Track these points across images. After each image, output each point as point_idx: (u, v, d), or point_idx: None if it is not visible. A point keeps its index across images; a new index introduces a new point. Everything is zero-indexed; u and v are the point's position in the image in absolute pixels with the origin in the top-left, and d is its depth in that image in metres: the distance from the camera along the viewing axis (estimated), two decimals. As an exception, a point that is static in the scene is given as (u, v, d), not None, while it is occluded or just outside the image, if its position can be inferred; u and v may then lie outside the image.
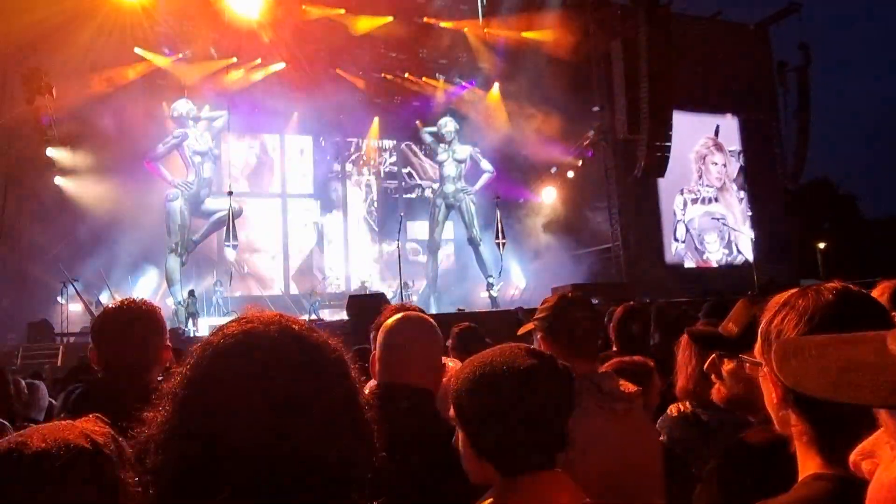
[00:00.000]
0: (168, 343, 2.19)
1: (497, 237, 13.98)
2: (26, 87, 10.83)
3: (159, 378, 2.20)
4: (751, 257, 15.70)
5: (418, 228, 16.38)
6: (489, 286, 14.61)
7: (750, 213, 17.81)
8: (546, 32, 15.48)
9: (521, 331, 1.94)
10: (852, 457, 0.62)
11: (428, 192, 16.66)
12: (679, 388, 2.01)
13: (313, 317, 11.74)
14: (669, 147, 14.32)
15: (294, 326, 0.77)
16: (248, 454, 0.67)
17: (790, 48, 18.37)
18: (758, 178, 18.10)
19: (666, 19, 13.88)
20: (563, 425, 1.14)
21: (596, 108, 15.42)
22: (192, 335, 10.31)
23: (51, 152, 11.66)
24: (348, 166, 16.57)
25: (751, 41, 18.61)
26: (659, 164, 14.35)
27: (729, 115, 18.18)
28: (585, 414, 1.46)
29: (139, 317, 2.09)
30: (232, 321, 0.77)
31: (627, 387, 1.76)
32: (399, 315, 1.65)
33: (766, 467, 1.26)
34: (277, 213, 15.61)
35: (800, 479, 0.88)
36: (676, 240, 16.97)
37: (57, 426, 0.83)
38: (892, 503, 0.53)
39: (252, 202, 14.85)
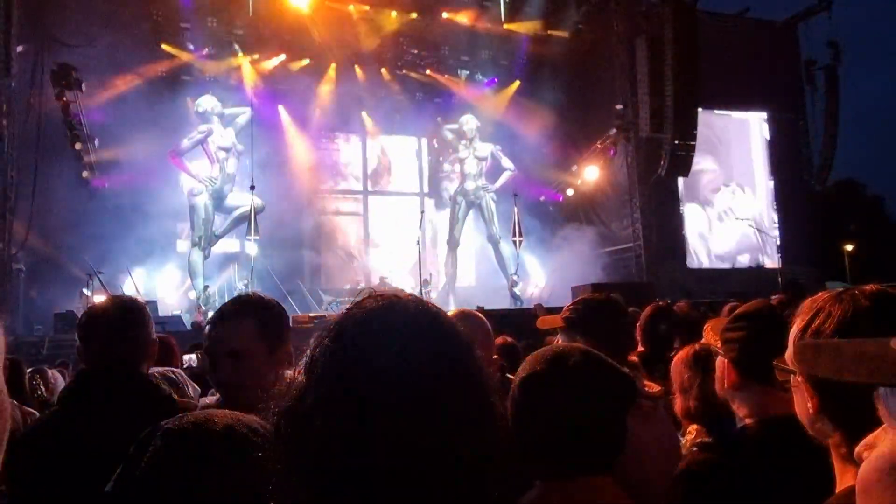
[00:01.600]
0: (155, 337, 2.23)
1: (514, 235, 13.94)
2: (56, 83, 11.04)
3: (151, 371, 2.25)
4: (775, 258, 15.47)
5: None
6: (514, 284, 14.55)
7: (775, 214, 17.54)
8: (569, 30, 15.38)
9: (543, 325, 1.93)
10: (857, 449, 0.68)
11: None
12: (682, 410, 1.95)
13: (321, 313, 11.79)
14: (694, 146, 14.15)
15: (429, 304, 0.80)
16: (390, 426, 0.68)
17: (819, 46, 18.03)
18: (784, 177, 17.80)
19: (692, 17, 13.70)
20: (619, 430, 1.12)
21: (619, 107, 15.27)
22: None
23: (79, 146, 11.86)
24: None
25: (778, 39, 18.28)
26: (683, 163, 14.19)
27: (755, 114, 17.90)
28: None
29: (125, 312, 2.13)
30: (367, 297, 0.79)
31: (651, 387, 1.75)
32: (455, 310, 1.78)
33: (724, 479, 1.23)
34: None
35: (837, 490, 0.87)
36: (698, 239, 16.77)
37: (224, 412, 0.93)
38: (874, 472, 0.62)
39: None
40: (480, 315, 1.75)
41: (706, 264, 16.68)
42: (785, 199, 17.61)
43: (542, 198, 17.02)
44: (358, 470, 0.68)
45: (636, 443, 1.51)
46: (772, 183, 17.83)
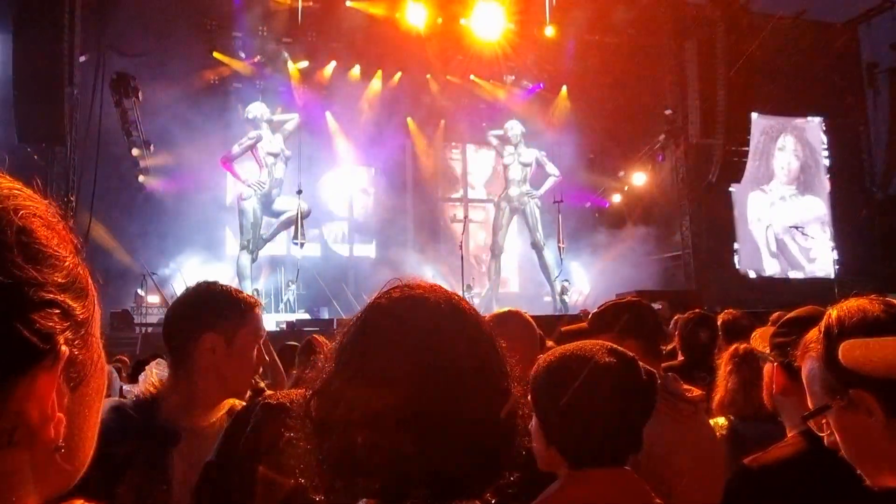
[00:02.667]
0: None
1: (558, 241, 13.79)
2: (115, 91, 11.51)
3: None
4: (831, 269, 14.86)
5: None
6: (564, 290, 14.36)
7: (832, 222, 16.87)
8: (616, 34, 15.17)
9: (567, 328, 1.92)
10: None
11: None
12: (716, 403, 1.98)
13: None
14: (747, 152, 13.76)
15: (453, 294, 0.83)
16: (411, 411, 0.71)
17: (881, 48, 17.27)
18: (843, 184, 17.12)
19: (743, 19, 13.34)
20: (638, 425, 1.12)
21: (668, 111, 14.97)
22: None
23: (135, 152, 12.33)
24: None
25: (838, 41, 17.62)
26: (735, 169, 13.82)
27: (813, 119, 17.28)
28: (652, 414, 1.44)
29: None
30: (395, 286, 0.83)
31: (692, 390, 1.72)
32: (501, 310, 1.86)
33: (781, 488, 1.22)
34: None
35: None
36: (750, 248, 16.26)
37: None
38: None
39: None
40: (526, 315, 1.79)
41: (758, 273, 16.15)
42: (843, 207, 16.92)
43: (588, 204, 16.79)
44: (381, 451, 0.71)
45: (669, 444, 1.48)
46: (829, 190, 17.17)
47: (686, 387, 1.69)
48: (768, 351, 1.45)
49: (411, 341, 0.75)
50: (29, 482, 0.49)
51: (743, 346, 1.93)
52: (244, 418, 1.24)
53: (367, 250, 16.08)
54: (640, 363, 1.16)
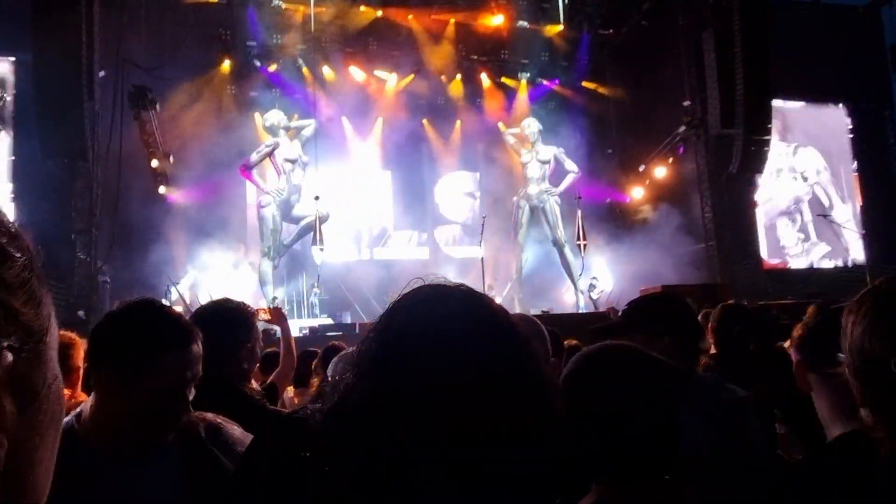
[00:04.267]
0: (250, 343, 2.23)
1: (578, 238, 13.65)
2: (133, 104, 11.67)
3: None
4: (861, 257, 14.51)
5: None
6: (591, 287, 14.22)
7: (860, 209, 16.49)
8: (632, 27, 15.01)
9: (597, 327, 1.86)
10: None
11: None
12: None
13: None
14: (768, 141, 13.50)
15: (479, 293, 0.78)
16: (438, 421, 0.65)
17: (905, 30, 16.88)
18: (869, 170, 16.74)
19: (762, 5, 13.09)
20: (667, 432, 1.05)
21: (686, 103, 14.76)
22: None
23: (155, 164, 12.47)
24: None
25: (860, 25, 17.24)
26: (757, 159, 13.56)
27: (835, 105, 16.93)
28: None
29: (220, 316, 2.14)
30: (417, 287, 0.79)
31: (735, 390, 1.66)
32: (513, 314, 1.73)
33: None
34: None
35: None
36: (775, 238, 15.97)
37: None
38: None
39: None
40: (535, 319, 1.72)
41: (784, 264, 15.85)
42: (871, 194, 16.55)
43: (608, 200, 16.62)
44: (405, 466, 0.65)
45: (705, 444, 1.41)
46: (855, 176, 16.80)
47: (730, 387, 1.62)
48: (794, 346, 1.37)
49: (435, 343, 0.69)
50: None
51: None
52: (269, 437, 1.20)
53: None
54: (663, 359, 1.10)
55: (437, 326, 0.70)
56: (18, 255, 0.45)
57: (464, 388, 0.66)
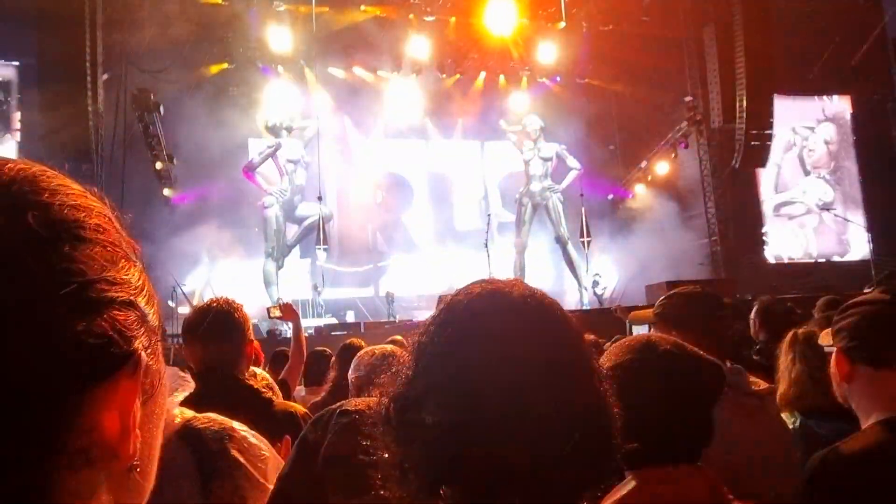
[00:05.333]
0: (251, 338, 2.25)
1: (582, 235, 13.65)
2: (136, 107, 11.71)
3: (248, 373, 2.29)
4: (866, 250, 14.50)
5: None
6: (594, 284, 14.22)
7: (863, 202, 16.47)
8: (632, 23, 14.99)
9: (634, 319, 1.89)
10: None
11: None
12: (780, 395, 1.87)
13: (391, 318, 11.90)
14: (771, 135, 13.49)
15: (536, 290, 0.79)
16: (502, 412, 0.67)
17: (907, 21, 16.82)
18: (872, 163, 16.70)
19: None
20: (702, 415, 1.08)
21: (688, 98, 14.75)
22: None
23: (159, 165, 12.51)
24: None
25: (861, 16, 17.19)
26: (759, 153, 13.57)
27: (837, 97, 16.90)
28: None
29: (223, 314, 2.16)
30: (474, 283, 0.80)
31: (758, 384, 1.67)
32: None
33: (863, 480, 1.17)
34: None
35: None
36: (778, 232, 15.96)
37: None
38: None
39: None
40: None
41: (788, 258, 15.84)
42: (873, 186, 16.52)
43: (611, 196, 16.62)
44: (469, 456, 0.67)
45: (730, 442, 1.43)
46: (857, 169, 16.78)
47: (753, 379, 1.64)
48: (832, 338, 1.38)
49: (497, 338, 0.71)
50: None
51: (802, 330, 1.80)
52: (323, 421, 1.24)
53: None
54: (703, 354, 1.13)
55: (494, 320, 0.72)
56: (135, 259, 0.49)
57: (519, 379, 0.68)
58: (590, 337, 3.51)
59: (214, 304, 2.24)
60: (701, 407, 1.09)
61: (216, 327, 2.09)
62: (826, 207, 15.86)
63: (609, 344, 1.38)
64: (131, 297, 0.45)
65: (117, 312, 0.43)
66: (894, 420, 1.27)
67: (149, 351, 0.47)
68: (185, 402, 1.94)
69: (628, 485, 1.06)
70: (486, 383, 0.67)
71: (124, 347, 0.43)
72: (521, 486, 0.66)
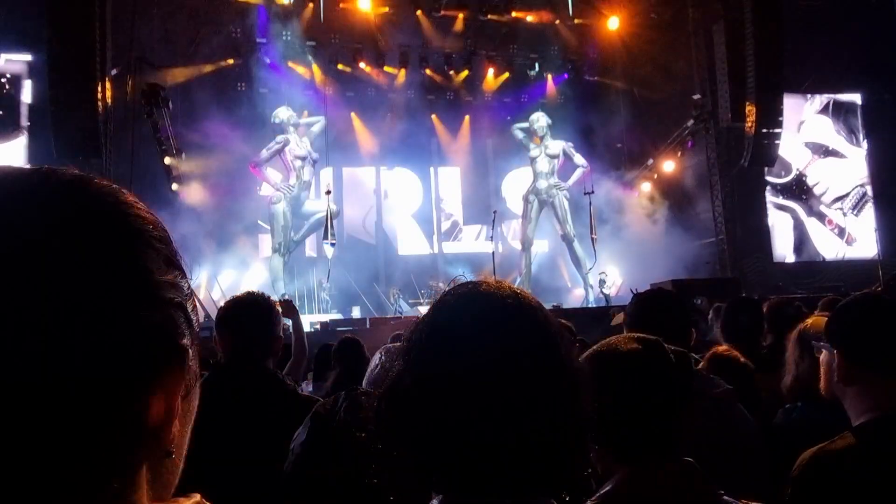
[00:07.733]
0: (281, 335, 2.29)
1: (592, 232, 13.63)
2: (146, 102, 11.76)
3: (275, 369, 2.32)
4: (874, 249, 14.42)
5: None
6: (601, 283, 14.22)
7: (873, 200, 16.37)
8: (641, 20, 14.94)
9: (615, 322, 1.93)
10: None
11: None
12: (787, 388, 1.92)
13: (397, 314, 11.93)
14: (779, 134, 13.42)
15: (518, 289, 0.83)
16: (483, 406, 0.71)
17: (920, 19, 16.65)
18: (882, 162, 16.59)
19: (774, -4, 12.98)
20: (678, 414, 1.12)
21: (696, 97, 14.69)
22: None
23: (168, 161, 12.58)
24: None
25: (873, 14, 17.04)
26: (767, 152, 13.48)
27: (848, 95, 16.79)
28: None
29: (259, 308, 2.20)
30: (461, 284, 0.85)
31: (720, 384, 1.69)
32: None
33: (851, 479, 1.19)
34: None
35: None
36: (786, 231, 15.89)
37: None
38: None
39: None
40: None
41: (795, 258, 15.77)
42: (885, 184, 16.41)
43: (618, 194, 16.58)
44: (454, 447, 0.71)
45: (693, 444, 1.45)
46: (867, 168, 16.67)
47: (716, 380, 1.66)
48: (825, 338, 1.41)
49: (481, 337, 0.74)
50: (146, 487, 0.48)
51: (811, 322, 1.85)
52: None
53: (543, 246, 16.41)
54: (679, 350, 1.16)
55: (478, 319, 0.76)
56: (186, 273, 0.55)
57: (500, 375, 0.72)
58: (571, 335, 3.52)
59: (250, 296, 2.29)
60: (673, 403, 1.11)
61: (251, 317, 2.14)
62: (834, 206, 15.79)
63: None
64: (183, 301, 0.52)
65: (174, 311, 0.50)
66: (883, 420, 1.30)
67: (191, 351, 0.52)
68: (212, 383, 1.97)
69: (609, 484, 1.08)
70: (470, 382, 0.71)
71: (178, 341, 0.49)
72: (505, 476, 0.70)
